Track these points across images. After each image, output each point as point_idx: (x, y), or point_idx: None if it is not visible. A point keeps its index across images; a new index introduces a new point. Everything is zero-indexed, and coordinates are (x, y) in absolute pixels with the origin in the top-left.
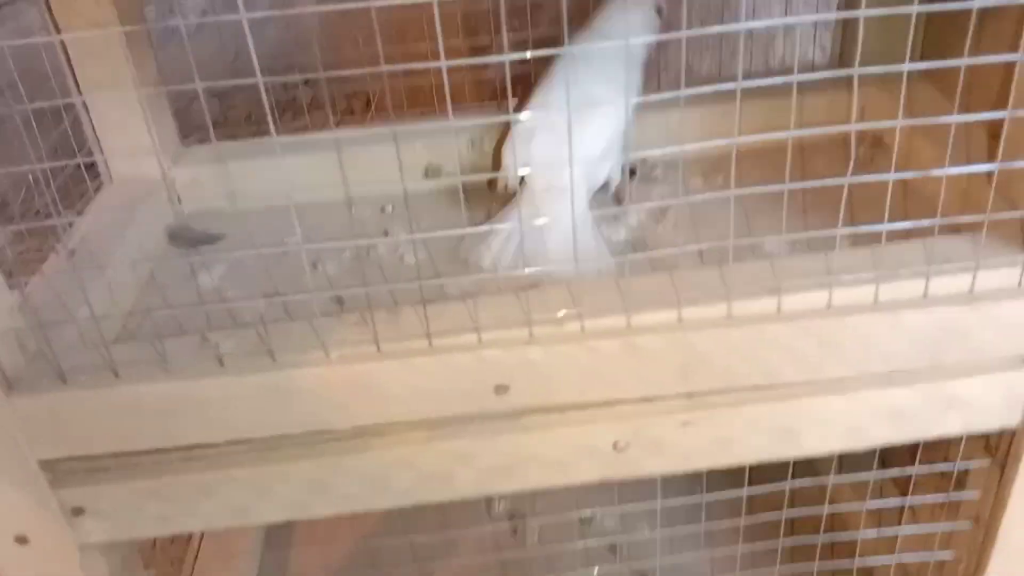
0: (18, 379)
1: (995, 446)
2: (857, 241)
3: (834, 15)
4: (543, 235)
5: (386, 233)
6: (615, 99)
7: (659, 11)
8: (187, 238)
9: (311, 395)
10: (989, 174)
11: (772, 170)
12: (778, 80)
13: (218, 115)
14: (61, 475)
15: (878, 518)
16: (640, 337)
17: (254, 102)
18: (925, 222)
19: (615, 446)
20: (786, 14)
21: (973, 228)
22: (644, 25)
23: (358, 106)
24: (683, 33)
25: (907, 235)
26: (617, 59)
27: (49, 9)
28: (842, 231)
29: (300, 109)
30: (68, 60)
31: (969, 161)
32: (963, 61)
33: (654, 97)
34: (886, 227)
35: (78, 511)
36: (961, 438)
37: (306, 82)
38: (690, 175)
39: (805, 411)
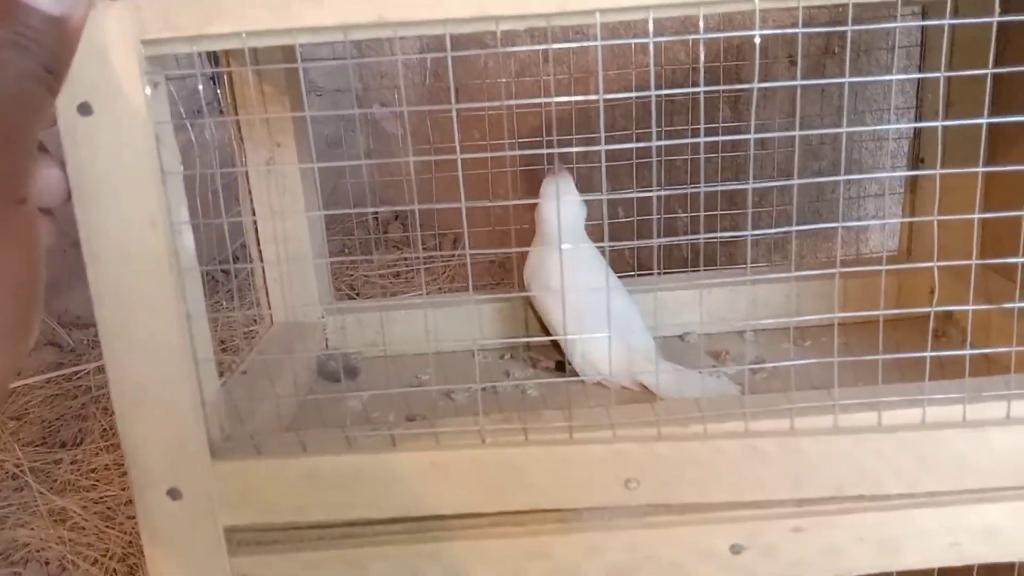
0: (219, 448)
1: None
2: None
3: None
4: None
5: (507, 374)
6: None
7: None
8: (333, 371)
9: (466, 475)
10: None
11: (856, 339)
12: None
13: None
14: (238, 543)
15: None
16: (757, 440)
17: (348, 231)
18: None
19: (732, 549)
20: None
21: None
22: None
23: (447, 244)
24: (793, 229)
25: None
26: None
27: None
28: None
29: (391, 246)
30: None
31: None
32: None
33: (771, 276)
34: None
35: None
36: None
37: (396, 217)
38: (781, 340)
39: (906, 524)
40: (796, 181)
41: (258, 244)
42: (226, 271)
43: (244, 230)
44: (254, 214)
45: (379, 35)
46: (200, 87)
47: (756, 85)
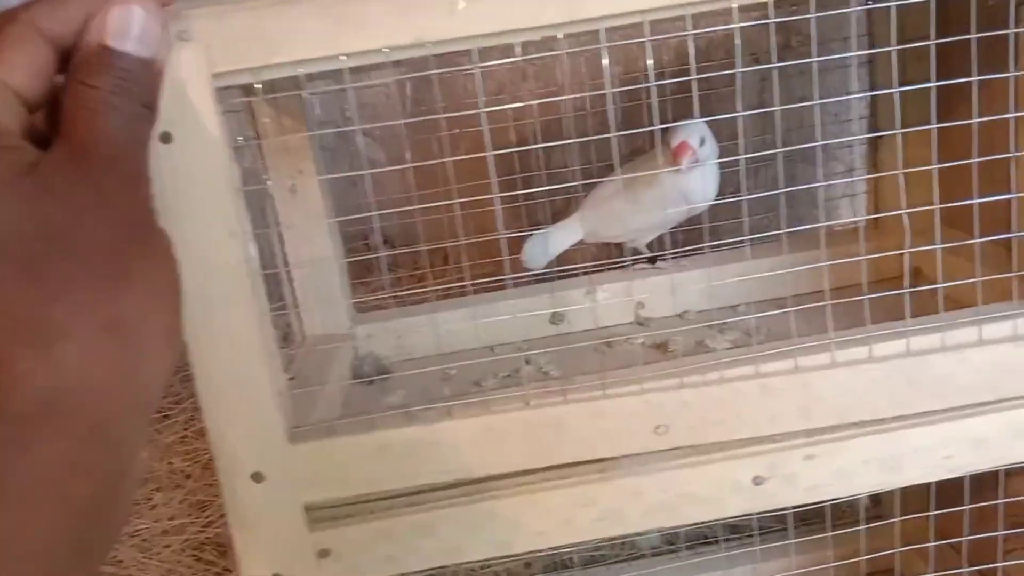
0: (296, 433)
1: None
2: None
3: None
4: None
5: (527, 361)
6: None
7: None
8: (367, 374)
9: (514, 436)
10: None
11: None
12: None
13: None
14: (315, 520)
15: None
16: (767, 380)
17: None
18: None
19: (755, 480)
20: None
21: None
22: None
23: (437, 260)
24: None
25: None
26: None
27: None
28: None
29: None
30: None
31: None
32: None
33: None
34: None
35: (325, 553)
36: None
37: (385, 241)
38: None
39: (903, 443)
40: (781, 150)
41: (286, 263)
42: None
43: (272, 248)
44: (280, 234)
45: (417, 54)
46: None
47: (739, 71)
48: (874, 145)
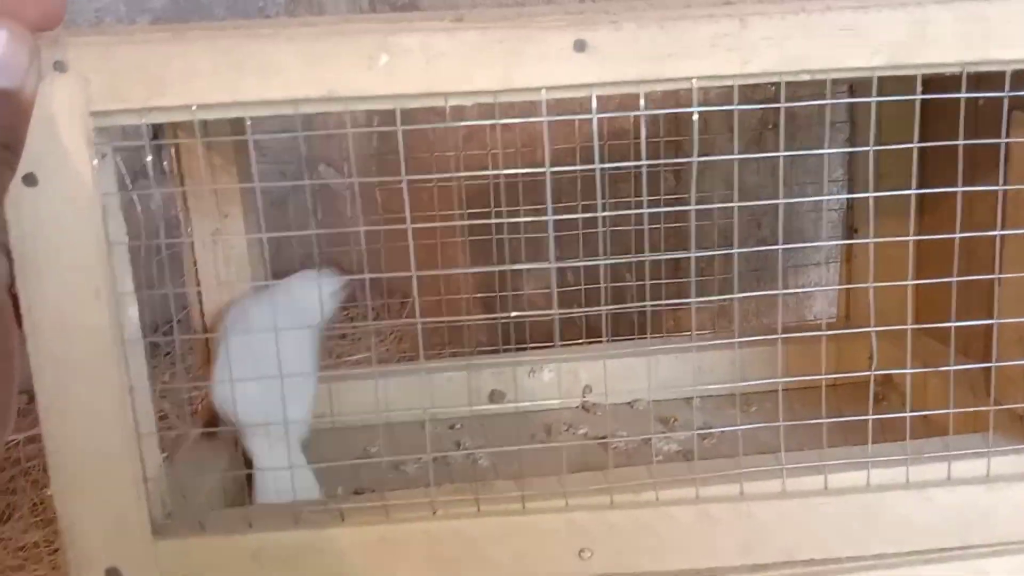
0: (162, 526)
1: None
2: None
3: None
4: None
5: (459, 445)
6: None
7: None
8: None
9: (417, 549)
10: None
11: (799, 404)
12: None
13: None
14: None
15: None
16: (708, 506)
17: None
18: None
19: None
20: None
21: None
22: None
23: (395, 306)
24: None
25: None
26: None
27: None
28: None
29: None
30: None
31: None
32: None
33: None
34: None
35: None
36: None
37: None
38: (727, 406)
39: None
40: (736, 250)
41: (202, 315)
42: (168, 338)
43: (188, 301)
44: (198, 285)
45: (329, 109)
46: (148, 158)
47: (695, 159)
48: (849, 235)
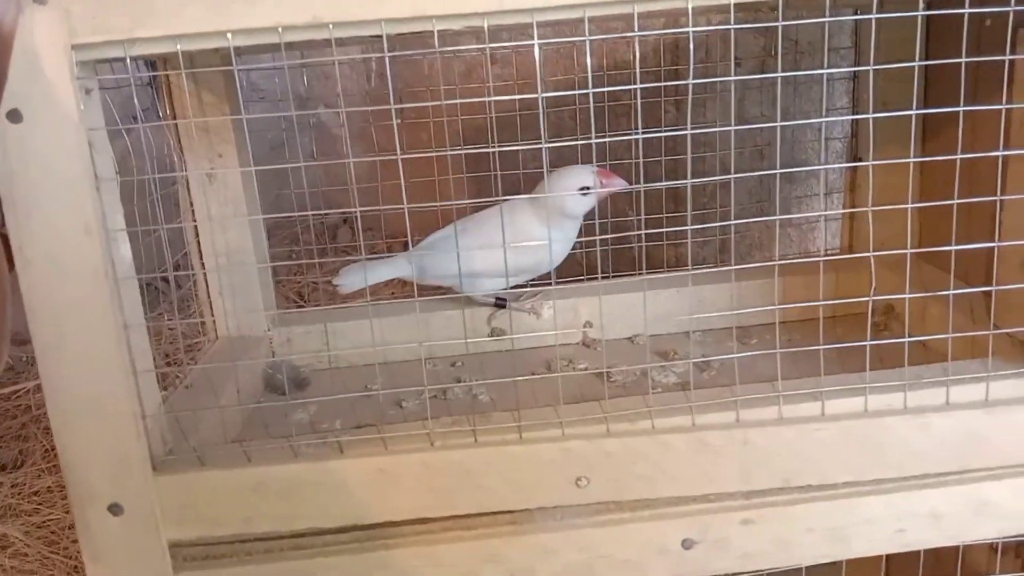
0: (162, 462)
1: None
2: None
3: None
4: None
5: (459, 380)
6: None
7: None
8: (279, 384)
9: (415, 480)
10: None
11: (800, 336)
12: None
13: None
14: (183, 559)
15: None
16: (704, 433)
17: (294, 239)
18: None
19: (683, 544)
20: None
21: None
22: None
23: (396, 247)
24: (731, 222)
25: None
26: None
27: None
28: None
29: (339, 251)
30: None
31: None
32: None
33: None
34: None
35: None
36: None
37: (345, 221)
38: (727, 339)
39: (852, 512)
40: (733, 176)
41: (200, 255)
42: (167, 280)
43: (186, 241)
44: (195, 224)
45: (314, 36)
46: (135, 94)
47: (692, 81)
48: (853, 166)
